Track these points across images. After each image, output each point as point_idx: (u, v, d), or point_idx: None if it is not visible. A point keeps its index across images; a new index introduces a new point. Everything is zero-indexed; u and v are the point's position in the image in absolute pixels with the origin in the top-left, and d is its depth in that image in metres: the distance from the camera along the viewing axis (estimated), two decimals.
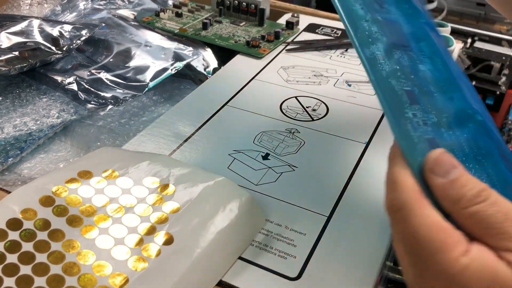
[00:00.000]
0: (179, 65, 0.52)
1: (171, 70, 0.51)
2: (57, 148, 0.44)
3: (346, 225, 0.35)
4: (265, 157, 0.41)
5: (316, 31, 0.62)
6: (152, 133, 0.44)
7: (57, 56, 0.49)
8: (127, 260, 0.30)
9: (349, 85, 0.51)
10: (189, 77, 0.55)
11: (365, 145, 0.43)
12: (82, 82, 0.48)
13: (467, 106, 0.26)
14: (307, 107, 0.48)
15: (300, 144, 0.43)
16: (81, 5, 0.63)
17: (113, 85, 0.49)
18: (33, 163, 0.42)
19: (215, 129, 0.45)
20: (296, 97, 0.49)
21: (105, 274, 0.29)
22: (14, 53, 0.47)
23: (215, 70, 0.55)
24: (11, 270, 0.29)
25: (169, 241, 0.31)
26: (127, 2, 0.66)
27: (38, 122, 0.44)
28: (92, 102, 0.46)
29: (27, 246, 0.30)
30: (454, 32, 0.61)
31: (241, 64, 0.55)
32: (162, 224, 0.32)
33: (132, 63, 0.52)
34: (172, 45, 0.55)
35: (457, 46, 0.58)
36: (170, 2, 0.68)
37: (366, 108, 0.48)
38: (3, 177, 0.40)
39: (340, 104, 0.49)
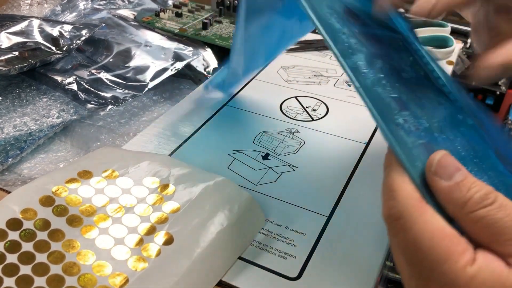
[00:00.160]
0: (179, 65, 0.52)
1: (171, 70, 0.51)
2: (57, 148, 0.44)
3: (346, 225, 0.35)
4: (265, 157, 0.41)
5: (316, 31, 0.62)
6: (152, 133, 0.44)
7: (57, 56, 0.49)
8: (127, 260, 0.30)
9: (349, 85, 0.51)
10: (189, 77, 0.55)
11: (365, 145, 0.43)
12: (82, 82, 0.48)
13: (456, 110, 0.25)
14: (307, 107, 0.48)
15: (300, 144, 0.43)
16: (81, 5, 0.63)
17: (113, 85, 0.49)
18: (33, 163, 0.42)
19: (215, 129, 0.45)
20: (296, 97, 0.49)
21: (105, 274, 0.29)
22: (14, 53, 0.47)
23: (215, 70, 0.55)
24: (11, 270, 0.29)
25: (169, 241, 0.31)
26: (127, 2, 0.66)
27: (38, 122, 0.44)
28: (92, 102, 0.46)
29: (27, 246, 0.30)
30: (454, 32, 0.61)
31: None
32: (162, 224, 0.32)
33: (132, 63, 0.52)
34: (172, 45, 0.55)
35: (457, 46, 0.58)
36: (170, 2, 0.68)
37: (366, 108, 0.48)
38: (3, 177, 0.40)
39: (340, 104, 0.49)
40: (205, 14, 0.64)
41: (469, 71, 0.28)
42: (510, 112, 0.50)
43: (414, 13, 0.27)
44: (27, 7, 0.63)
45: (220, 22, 0.62)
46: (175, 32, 0.60)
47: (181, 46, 0.55)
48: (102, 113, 0.46)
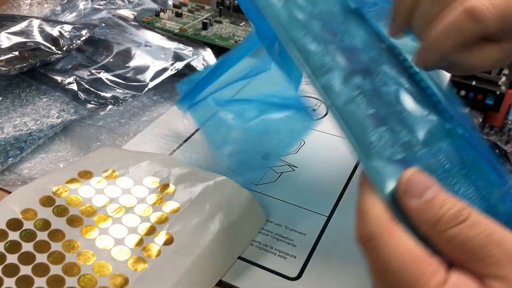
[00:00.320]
0: (179, 65, 0.52)
1: (171, 70, 0.51)
2: (57, 148, 0.44)
3: (346, 225, 0.35)
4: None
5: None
6: (152, 133, 0.44)
7: (57, 56, 0.49)
8: (127, 260, 0.30)
9: None
10: None
11: None
12: (82, 82, 0.48)
13: (443, 121, 0.25)
14: (307, 107, 0.48)
15: (300, 144, 0.43)
16: (81, 5, 0.63)
17: (113, 85, 0.49)
18: (33, 163, 0.42)
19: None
20: None
21: (105, 275, 0.29)
22: (14, 53, 0.47)
23: None
24: (11, 270, 0.29)
25: (169, 241, 0.31)
26: (127, 2, 0.66)
27: (38, 122, 0.44)
28: (92, 102, 0.46)
29: (27, 247, 0.30)
30: None
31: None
32: (162, 224, 0.32)
33: (132, 63, 0.52)
34: (172, 45, 0.55)
35: None
36: (170, 2, 0.68)
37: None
38: (3, 177, 0.40)
39: None
40: (205, 14, 0.64)
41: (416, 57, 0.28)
42: (510, 112, 0.50)
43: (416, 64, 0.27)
44: (27, 7, 0.63)
45: (220, 22, 0.62)
46: (175, 32, 0.60)
47: (181, 46, 0.55)
48: (102, 113, 0.46)
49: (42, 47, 0.49)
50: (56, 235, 0.31)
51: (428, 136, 0.24)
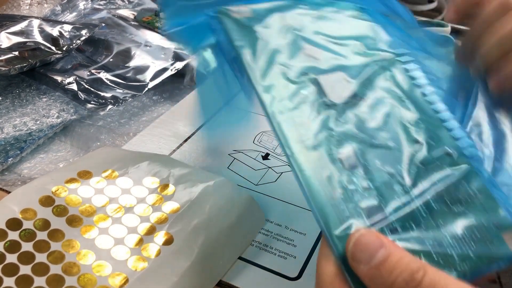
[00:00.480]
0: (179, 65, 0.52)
1: (171, 70, 0.51)
2: (57, 148, 0.44)
3: None
4: (265, 157, 0.41)
5: None
6: (152, 133, 0.44)
7: (57, 56, 0.49)
8: (127, 260, 0.30)
9: None
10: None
11: None
12: (82, 82, 0.48)
13: (445, 145, 0.23)
14: None
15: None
16: (81, 5, 0.63)
17: (113, 85, 0.49)
18: (33, 163, 0.42)
19: (215, 129, 0.45)
20: None
21: (104, 274, 0.29)
22: (14, 53, 0.47)
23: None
24: (10, 270, 0.28)
25: (169, 241, 0.31)
26: (127, 2, 0.66)
27: (38, 122, 0.44)
28: (92, 102, 0.46)
29: (27, 246, 0.30)
30: (454, 32, 0.61)
31: None
32: (162, 224, 0.32)
33: (132, 63, 0.52)
34: (172, 45, 0.55)
35: None
36: None
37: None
38: (3, 177, 0.40)
39: None
40: None
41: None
42: None
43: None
44: (27, 7, 0.63)
45: None
46: None
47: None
48: (102, 113, 0.46)
49: (42, 47, 0.49)
50: (56, 235, 0.31)
51: (419, 168, 0.22)
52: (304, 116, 0.24)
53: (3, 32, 0.49)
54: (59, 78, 0.48)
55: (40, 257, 0.29)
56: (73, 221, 0.32)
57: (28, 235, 0.30)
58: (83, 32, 0.52)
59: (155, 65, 0.51)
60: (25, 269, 0.29)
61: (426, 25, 0.59)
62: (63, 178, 0.34)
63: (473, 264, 0.20)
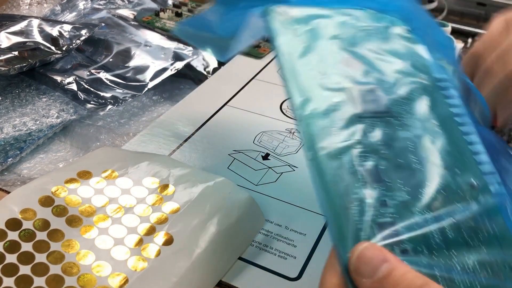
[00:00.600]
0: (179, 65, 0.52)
1: (171, 70, 0.51)
2: (57, 148, 0.44)
3: None
4: (265, 157, 0.41)
5: None
6: (152, 133, 0.44)
7: (57, 56, 0.49)
8: (126, 260, 0.30)
9: None
10: (189, 77, 0.54)
11: None
12: (81, 82, 0.48)
13: (474, 180, 0.22)
14: None
15: (300, 144, 0.43)
16: (81, 5, 0.63)
17: (113, 85, 0.49)
18: (32, 163, 0.42)
19: (215, 129, 0.45)
20: None
21: (104, 274, 0.29)
22: (13, 53, 0.47)
23: (215, 70, 0.55)
24: (10, 270, 0.28)
25: (168, 242, 0.31)
26: (127, 2, 0.66)
27: (38, 122, 0.44)
28: (91, 102, 0.46)
29: (27, 246, 0.30)
30: (454, 32, 0.61)
31: (241, 64, 0.55)
32: (162, 225, 0.32)
33: (132, 63, 0.52)
34: (172, 45, 0.55)
35: (457, 46, 0.58)
36: (170, 2, 0.68)
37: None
38: (3, 177, 0.40)
39: None
40: None
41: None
42: None
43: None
44: (27, 7, 0.63)
45: None
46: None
47: (181, 46, 0.55)
48: (101, 113, 0.46)
49: (42, 47, 0.49)
50: (56, 235, 0.31)
51: (440, 194, 0.21)
52: (333, 124, 0.23)
53: (2, 32, 0.49)
54: (58, 78, 0.48)
55: (40, 257, 0.29)
56: (73, 221, 0.32)
57: (28, 235, 0.30)
58: (83, 32, 0.52)
59: (155, 65, 0.51)
60: (24, 269, 0.29)
61: None
62: (63, 178, 0.34)
63: None
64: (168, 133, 0.44)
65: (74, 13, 0.62)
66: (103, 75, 0.49)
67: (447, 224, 0.21)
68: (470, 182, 0.22)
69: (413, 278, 0.18)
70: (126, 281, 0.28)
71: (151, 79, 0.50)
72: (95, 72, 0.50)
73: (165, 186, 0.34)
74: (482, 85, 0.33)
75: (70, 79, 0.48)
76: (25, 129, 0.43)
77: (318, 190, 0.22)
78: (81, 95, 0.46)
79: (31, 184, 0.34)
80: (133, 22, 0.60)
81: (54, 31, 0.51)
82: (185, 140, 0.43)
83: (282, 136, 0.44)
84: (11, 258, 0.29)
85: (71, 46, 0.50)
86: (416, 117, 0.24)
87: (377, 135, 0.23)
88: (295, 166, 0.40)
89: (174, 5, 0.66)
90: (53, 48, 0.49)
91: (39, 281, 0.28)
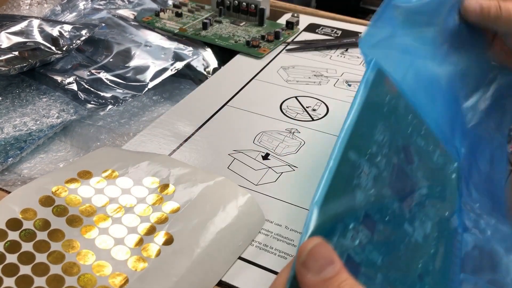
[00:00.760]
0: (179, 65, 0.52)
1: (171, 70, 0.51)
2: (57, 148, 0.44)
3: None
4: (265, 157, 0.41)
5: (316, 31, 0.62)
6: (152, 133, 0.44)
7: (57, 56, 0.49)
8: (127, 260, 0.30)
9: (349, 85, 0.51)
10: (189, 77, 0.55)
11: None
12: (82, 82, 0.48)
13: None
14: (307, 107, 0.48)
15: (300, 144, 0.43)
16: (81, 5, 0.63)
17: (113, 85, 0.49)
18: (33, 163, 0.42)
19: (215, 129, 0.45)
20: (296, 97, 0.49)
21: (105, 274, 0.29)
22: (14, 53, 0.47)
23: (215, 70, 0.55)
24: (11, 270, 0.29)
25: (169, 241, 0.31)
26: (127, 2, 0.66)
27: (38, 122, 0.44)
28: (92, 102, 0.46)
29: (27, 246, 0.30)
30: None
31: (241, 64, 0.55)
32: (162, 224, 0.32)
33: (132, 63, 0.52)
34: (172, 45, 0.55)
35: None
36: (170, 2, 0.68)
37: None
38: (3, 177, 0.40)
39: (340, 104, 0.49)
40: (205, 14, 0.64)
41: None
42: None
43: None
44: (27, 7, 0.63)
45: (220, 22, 0.62)
46: (175, 32, 0.60)
47: (181, 46, 0.55)
48: (102, 113, 0.46)
49: (42, 47, 0.49)
50: (56, 235, 0.31)
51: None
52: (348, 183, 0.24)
53: (3, 32, 0.49)
54: (59, 78, 0.48)
55: (40, 257, 0.29)
56: (73, 221, 0.32)
57: (28, 235, 0.30)
58: (83, 32, 0.52)
59: (155, 65, 0.52)
60: (25, 269, 0.29)
61: None
62: (63, 178, 0.34)
63: None
64: (168, 133, 0.44)
65: (74, 13, 0.62)
66: (103, 75, 0.49)
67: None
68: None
69: (352, 285, 0.19)
70: (127, 281, 0.28)
71: (151, 79, 0.50)
72: (95, 72, 0.50)
73: (165, 186, 0.34)
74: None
75: (71, 79, 0.48)
76: (26, 129, 0.43)
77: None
78: (82, 95, 0.46)
79: (32, 184, 0.34)
80: (133, 22, 0.60)
81: (54, 31, 0.51)
82: (185, 140, 0.43)
83: (282, 136, 0.44)
84: (11, 258, 0.29)
85: (71, 46, 0.50)
86: (427, 227, 0.25)
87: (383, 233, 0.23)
88: (295, 166, 0.40)
89: (174, 5, 0.66)
90: (53, 48, 0.49)
91: (39, 281, 0.28)
